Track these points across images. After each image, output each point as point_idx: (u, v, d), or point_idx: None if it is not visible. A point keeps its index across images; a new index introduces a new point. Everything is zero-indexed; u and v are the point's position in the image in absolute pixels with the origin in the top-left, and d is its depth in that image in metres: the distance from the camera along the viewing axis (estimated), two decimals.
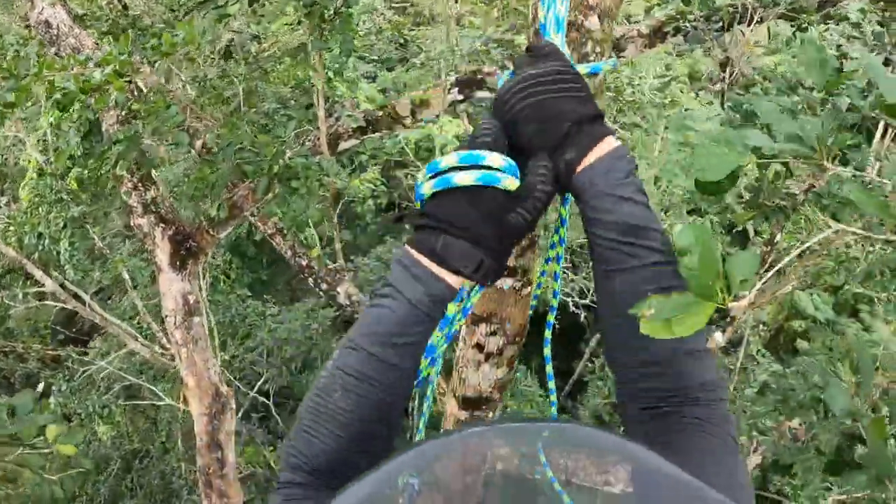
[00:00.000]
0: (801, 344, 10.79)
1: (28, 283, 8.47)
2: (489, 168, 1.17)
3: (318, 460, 1.15)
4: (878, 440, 2.14)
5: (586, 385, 11.78)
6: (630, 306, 1.13)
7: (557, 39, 1.38)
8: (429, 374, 1.41)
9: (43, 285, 8.21)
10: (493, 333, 1.78)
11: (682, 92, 13.89)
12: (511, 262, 1.64)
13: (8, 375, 11.99)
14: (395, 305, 1.17)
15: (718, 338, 5.90)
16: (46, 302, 8.98)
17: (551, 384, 1.70)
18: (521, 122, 1.20)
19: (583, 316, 10.84)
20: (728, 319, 6.00)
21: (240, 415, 9.74)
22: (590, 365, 11.84)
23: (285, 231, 6.61)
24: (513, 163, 1.19)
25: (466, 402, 1.92)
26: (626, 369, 1.22)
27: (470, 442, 0.88)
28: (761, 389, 5.40)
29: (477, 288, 1.36)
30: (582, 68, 1.40)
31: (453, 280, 1.19)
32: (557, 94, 1.19)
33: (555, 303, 1.54)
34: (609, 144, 1.20)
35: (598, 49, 1.53)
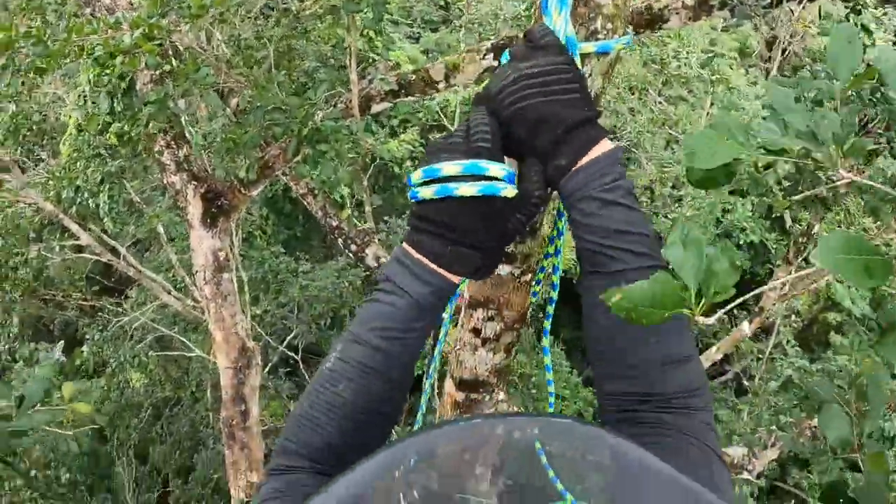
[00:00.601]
0: (835, 338, 10.62)
1: (65, 235, 8.65)
2: (491, 178, 1.17)
3: (318, 449, 1.18)
4: (876, 474, 2.04)
5: None
6: (607, 311, 1.14)
7: (560, 20, 1.28)
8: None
9: (79, 238, 8.41)
10: (491, 319, 1.74)
11: (731, 69, 13.55)
12: (510, 247, 1.62)
13: (48, 323, 12.33)
14: (399, 302, 1.20)
15: (745, 328, 5.82)
16: (82, 255, 9.18)
17: (549, 375, 1.72)
18: (514, 124, 1.18)
19: None
20: (757, 309, 5.91)
21: (267, 369, 9.92)
22: None
23: (316, 191, 6.66)
24: (511, 171, 1.19)
25: (463, 385, 1.91)
26: (606, 371, 1.22)
27: (474, 428, 0.91)
28: (784, 384, 5.33)
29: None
30: (589, 46, 1.35)
31: (454, 277, 1.22)
32: (553, 97, 1.16)
33: (554, 295, 1.53)
34: (602, 148, 1.18)
35: (608, 25, 1.41)
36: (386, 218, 11.40)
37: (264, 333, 10.01)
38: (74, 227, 8.23)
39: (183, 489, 10.56)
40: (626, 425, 1.14)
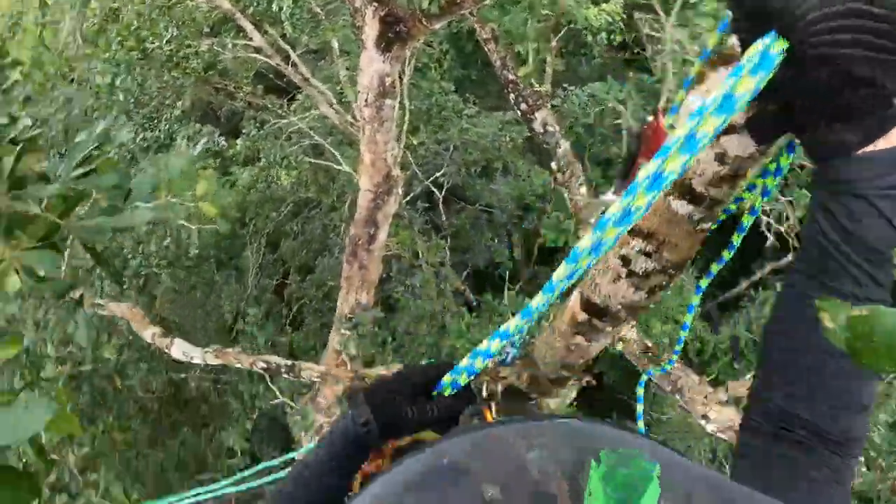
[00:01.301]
0: None
1: (239, 35, 8.81)
2: None
3: None
4: None
5: (738, 305, 10.60)
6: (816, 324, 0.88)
7: None
8: None
9: (252, 39, 8.54)
10: (647, 254, 1.54)
11: None
12: (700, 187, 1.39)
13: (216, 109, 12.88)
14: None
15: None
16: (254, 55, 9.37)
17: (679, 345, 1.53)
18: (821, 70, 0.85)
19: (769, 241, 9.48)
20: None
21: (407, 199, 10.02)
22: (753, 293, 10.49)
23: (499, 40, 6.43)
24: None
25: (590, 307, 1.73)
26: (787, 389, 1.02)
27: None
28: None
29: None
30: None
31: None
32: (886, 56, 0.81)
33: (748, 220, 1.33)
34: None
35: None
36: (566, 85, 11.00)
37: (414, 164, 10.07)
38: (249, 28, 8.34)
39: (299, 285, 11.04)
40: (779, 444, 1.01)
